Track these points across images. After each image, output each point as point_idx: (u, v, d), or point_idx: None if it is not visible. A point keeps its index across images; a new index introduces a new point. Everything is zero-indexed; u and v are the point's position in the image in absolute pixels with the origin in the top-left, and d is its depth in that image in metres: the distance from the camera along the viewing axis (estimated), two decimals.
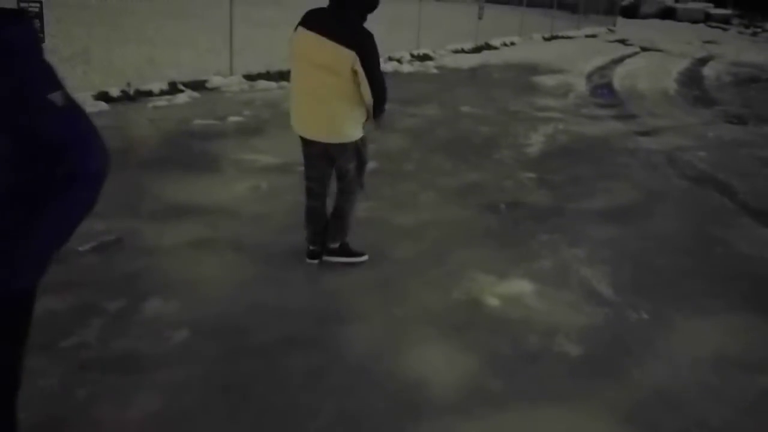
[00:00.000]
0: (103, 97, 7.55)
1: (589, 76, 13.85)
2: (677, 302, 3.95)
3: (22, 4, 6.79)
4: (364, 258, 4.06)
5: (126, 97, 7.84)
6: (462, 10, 18.74)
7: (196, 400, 2.73)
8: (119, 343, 3.05)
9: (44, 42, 7.08)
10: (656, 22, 37.54)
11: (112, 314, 3.28)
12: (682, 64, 17.75)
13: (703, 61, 19.12)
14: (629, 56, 18.70)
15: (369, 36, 3.47)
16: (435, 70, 12.47)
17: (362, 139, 3.74)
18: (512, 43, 18.52)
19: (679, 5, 41.87)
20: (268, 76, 9.73)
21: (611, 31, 28.11)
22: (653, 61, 18.15)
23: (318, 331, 3.32)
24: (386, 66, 11.92)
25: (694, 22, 39.14)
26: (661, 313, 3.78)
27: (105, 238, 4.08)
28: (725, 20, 40.78)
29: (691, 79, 15.15)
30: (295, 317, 3.42)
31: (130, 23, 12.23)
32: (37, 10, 6.87)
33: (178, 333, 3.17)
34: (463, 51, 15.63)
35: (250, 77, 9.52)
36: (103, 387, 2.74)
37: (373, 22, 3.57)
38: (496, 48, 17.20)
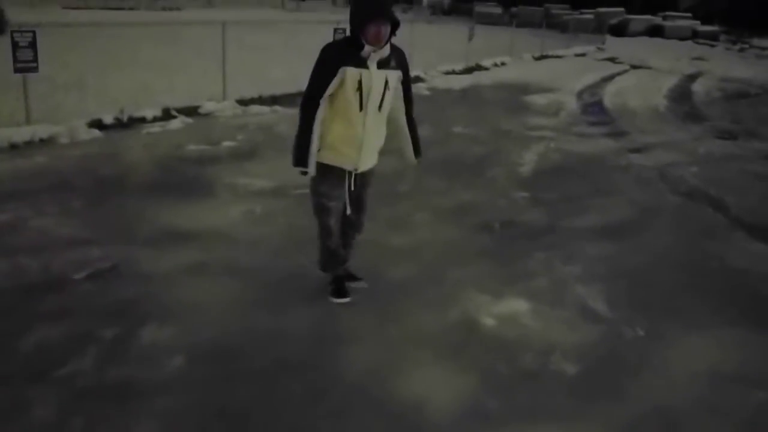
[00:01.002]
0: (97, 124, 7.58)
1: (580, 95, 13.97)
2: (673, 318, 3.96)
3: (15, 34, 6.83)
4: (340, 300, 3.81)
5: (120, 124, 7.86)
6: (452, 31, 18.94)
7: (194, 426, 2.72)
8: (115, 371, 3.04)
9: (37, 71, 7.13)
10: (645, 39, 37.96)
11: (108, 341, 3.26)
12: (672, 81, 17.93)
13: (692, 78, 19.33)
14: (619, 74, 18.88)
15: (320, 53, 3.35)
16: (427, 92, 12.55)
17: (316, 174, 3.45)
18: (503, 63, 18.68)
19: (666, 23, 42.38)
20: (260, 100, 9.78)
21: (601, 49, 28.39)
22: (643, 78, 18.33)
23: (315, 353, 3.31)
24: None
25: (682, 39, 39.59)
26: (657, 329, 3.79)
27: (100, 265, 4.08)
28: (713, 37, 41.29)
29: (681, 95, 15.30)
30: (291, 340, 3.41)
31: (123, 50, 12.32)
32: (30, 39, 6.91)
33: (175, 359, 3.16)
34: (454, 72, 15.75)
35: (243, 102, 9.57)
36: (100, 415, 2.73)
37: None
38: (486, 68, 17.34)
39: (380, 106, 3.38)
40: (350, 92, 3.28)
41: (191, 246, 4.51)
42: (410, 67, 3.58)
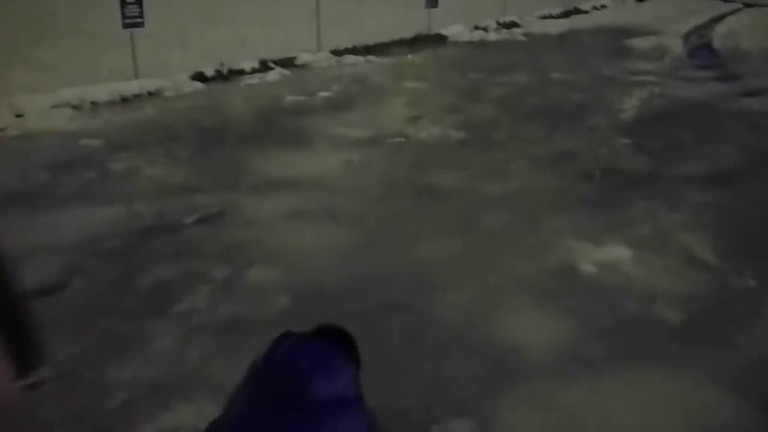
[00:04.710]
0: (199, 77, 7.86)
1: (687, 37, 13.18)
2: None
3: (127, 20, 7.16)
4: None
5: (220, 77, 8.12)
6: None
7: None
8: (227, 309, 3.22)
9: (144, 26, 7.43)
10: None
11: (219, 282, 3.45)
12: None
13: None
14: (731, 14, 17.64)
15: None
16: (522, 37, 12.19)
17: None
18: (603, 6, 17.85)
19: None
20: (354, 50, 9.82)
21: None
22: (759, 18, 17.04)
23: (414, 297, 3.38)
24: (473, 35, 11.78)
25: None
26: None
27: (208, 211, 4.29)
28: None
29: None
30: (391, 284, 3.49)
31: (222, 6, 12.62)
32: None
33: (281, 299, 3.30)
34: (551, 16, 15.21)
35: (337, 53, 9.63)
36: (214, 349, 2.91)
37: None
38: (585, 12, 16.63)
39: None
40: None
41: (292, 193, 4.65)
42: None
